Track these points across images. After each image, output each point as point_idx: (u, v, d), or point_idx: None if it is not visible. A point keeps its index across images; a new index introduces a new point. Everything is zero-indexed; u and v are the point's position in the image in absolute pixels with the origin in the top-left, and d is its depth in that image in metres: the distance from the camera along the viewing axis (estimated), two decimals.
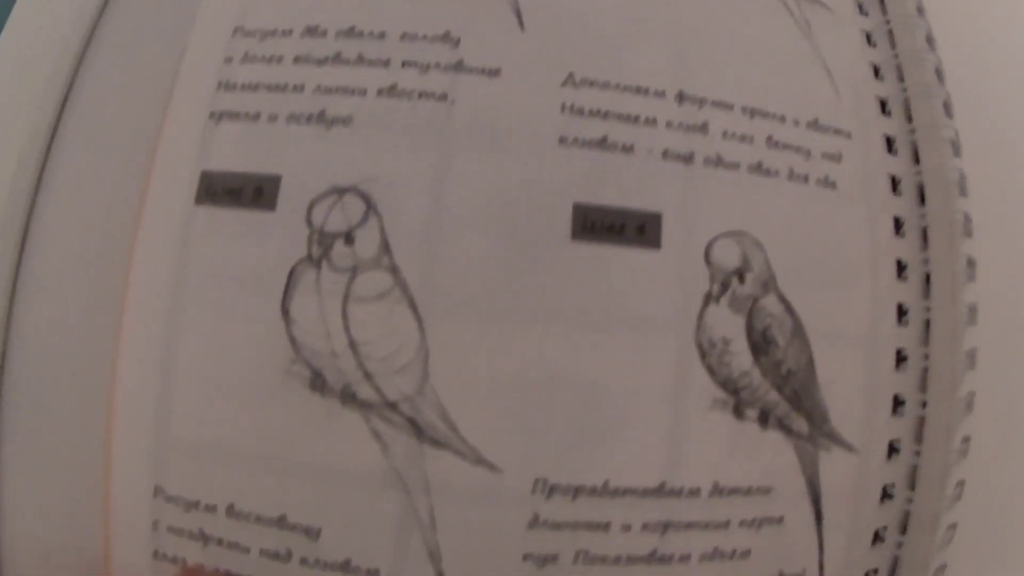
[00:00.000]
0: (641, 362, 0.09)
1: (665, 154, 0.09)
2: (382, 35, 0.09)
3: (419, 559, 0.08)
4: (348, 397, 0.08)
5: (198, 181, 0.08)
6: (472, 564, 0.08)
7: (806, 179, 0.10)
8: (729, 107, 0.10)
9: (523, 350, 0.08)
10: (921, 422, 0.11)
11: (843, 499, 0.10)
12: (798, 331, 0.10)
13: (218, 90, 0.08)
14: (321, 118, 0.09)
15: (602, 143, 0.09)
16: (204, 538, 0.08)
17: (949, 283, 0.11)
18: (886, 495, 0.11)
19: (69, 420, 0.08)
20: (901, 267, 0.11)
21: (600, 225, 0.09)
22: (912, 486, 0.11)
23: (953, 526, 0.11)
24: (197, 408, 0.08)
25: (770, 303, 0.09)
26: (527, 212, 0.08)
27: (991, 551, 0.11)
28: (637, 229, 0.09)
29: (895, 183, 0.11)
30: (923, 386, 0.11)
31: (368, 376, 0.08)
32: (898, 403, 0.10)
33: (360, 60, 0.09)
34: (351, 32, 0.09)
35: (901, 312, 0.10)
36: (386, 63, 0.09)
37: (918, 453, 0.11)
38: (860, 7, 0.12)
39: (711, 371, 0.09)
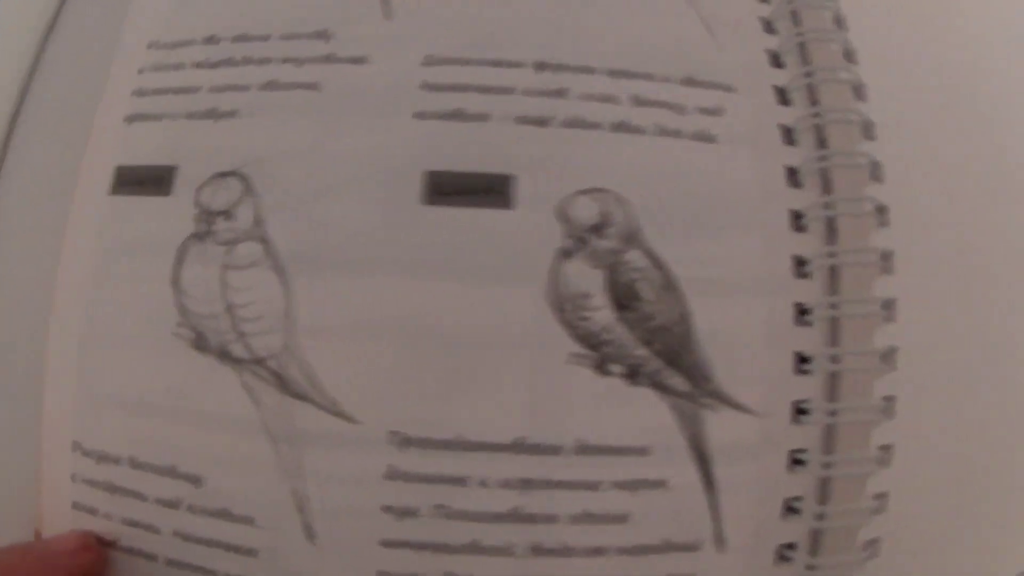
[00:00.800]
0: (495, 317, 0.09)
1: (519, 119, 0.10)
2: (267, 37, 0.10)
3: (287, 505, 0.09)
4: (224, 355, 0.09)
5: (113, 175, 0.10)
6: (336, 513, 0.09)
7: (678, 134, 0.10)
8: (591, 71, 0.10)
9: (378, 307, 0.09)
10: (834, 380, 0.10)
11: (740, 464, 0.10)
12: (669, 285, 0.09)
13: (132, 96, 0.11)
14: (211, 113, 0.10)
15: (456, 114, 0.10)
16: (112, 488, 0.10)
17: (856, 229, 0.10)
18: (796, 461, 0.10)
19: (18, 386, 0.10)
20: (798, 216, 0.10)
21: (451, 189, 0.09)
22: (829, 451, 0.10)
23: (883, 495, 0.10)
24: (106, 370, 0.10)
25: (635, 257, 0.09)
26: (384, 181, 0.10)
27: (931, 524, 0.10)
28: (487, 191, 0.09)
29: (788, 133, 0.10)
30: (833, 341, 0.10)
31: (241, 336, 0.09)
32: (803, 360, 0.10)
33: (247, 60, 0.10)
34: (241, 37, 0.11)
35: (801, 263, 0.10)
36: (268, 61, 0.10)
37: (833, 413, 0.10)
38: None
39: (569, 326, 0.09)
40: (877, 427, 0.10)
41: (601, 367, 0.10)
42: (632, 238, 0.10)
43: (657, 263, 0.10)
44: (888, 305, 0.11)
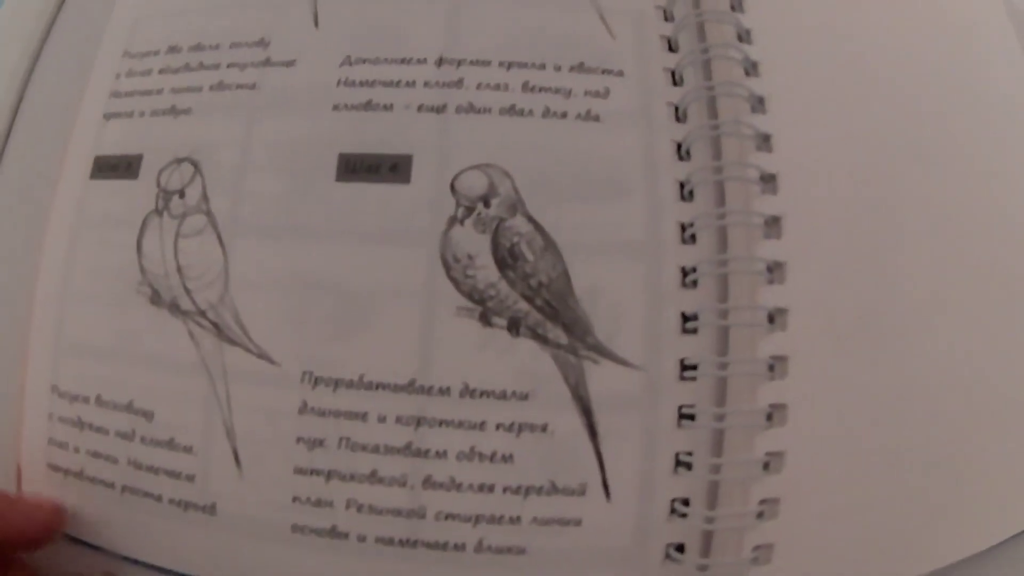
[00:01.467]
0: (393, 275, 0.12)
1: (420, 108, 0.12)
2: (217, 46, 0.13)
3: (219, 436, 0.12)
4: (174, 308, 0.12)
5: (92, 163, 0.13)
6: (258, 442, 0.12)
7: (564, 115, 0.12)
8: (487, 63, 0.12)
9: (297, 265, 0.12)
10: (723, 338, 0.11)
11: (624, 415, 0.11)
12: (549, 246, 0.12)
13: (110, 97, 0.14)
14: (171, 111, 0.13)
15: (367, 105, 0.12)
16: (80, 424, 0.13)
17: (743, 194, 0.12)
18: (685, 416, 0.11)
19: (4, 340, 0.13)
20: (684, 186, 0.12)
21: (360, 167, 0.12)
22: (720, 405, 0.11)
23: (778, 454, 0.11)
24: (80, 322, 0.13)
25: (518, 223, 0.12)
26: (305, 163, 0.12)
27: (829, 486, 0.11)
28: (390, 168, 0.12)
29: (678, 111, 0.12)
30: (723, 300, 0.11)
31: (187, 291, 0.12)
32: (689, 319, 0.11)
33: (200, 66, 0.13)
34: (197, 47, 0.14)
35: (686, 229, 0.12)
36: (217, 66, 0.13)
37: (724, 367, 0.11)
38: None
39: (456, 283, 0.11)
40: (765, 385, 0.12)
41: (485, 319, 0.12)
42: (516, 207, 0.12)
43: (538, 228, 0.12)
44: (777, 267, 0.12)
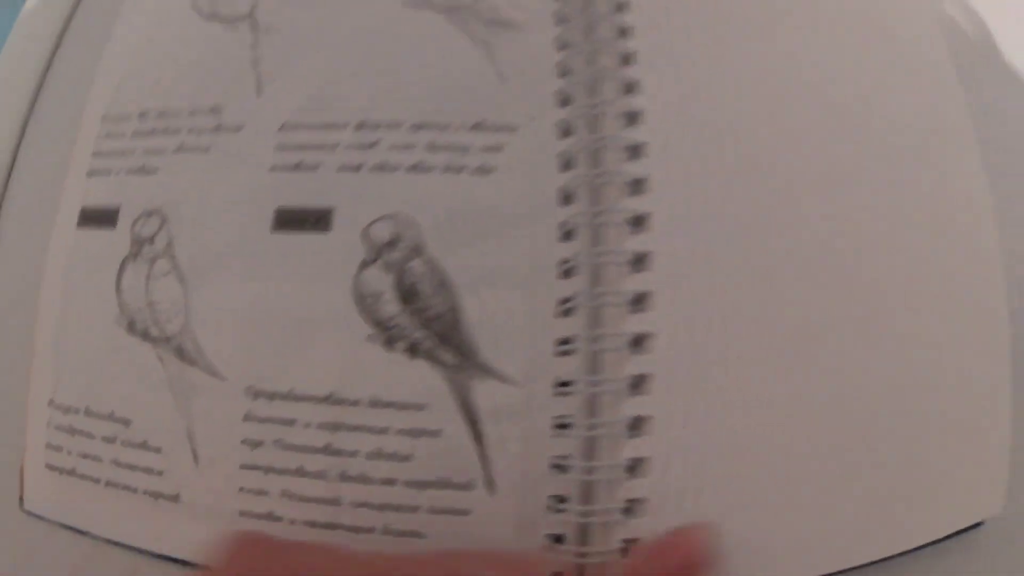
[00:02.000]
0: (316, 308, 0.17)
1: (340, 168, 0.18)
2: (179, 113, 0.20)
3: (182, 439, 0.18)
4: (146, 335, 0.19)
5: (79, 214, 0.20)
6: (212, 443, 0.18)
7: (461, 170, 0.18)
8: (398, 126, 0.18)
9: (241, 301, 0.18)
10: (594, 360, 0.17)
11: (505, 424, 0.17)
12: (444, 284, 0.17)
13: (92, 157, 0.20)
14: (142, 170, 0.20)
15: (298, 166, 0.18)
16: (72, 431, 0.19)
17: (615, 235, 0.17)
18: (562, 426, 0.17)
19: (14, 363, 0.21)
20: (566, 228, 0.18)
21: (291, 220, 0.18)
22: (592, 416, 0.17)
23: (643, 460, 0.17)
24: (72, 348, 0.19)
25: (418, 264, 0.17)
26: (247, 216, 0.18)
27: (690, 487, 0.17)
28: (315, 220, 0.18)
29: (566, 160, 0.18)
30: (594, 327, 0.17)
31: (157, 323, 0.19)
32: (564, 343, 0.17)
33: (166, 131, 0.20)
34: (162, 113, 0.20)
35: (565, 264, 0.17)
36: (179, 131, 0.20)
37: (595, 384, 0.17)
38: (562, 16, 0.20)
39: (366, 315, 0.17)
40: (629, 399, 0.18)
41: (389, 344, 0.18)
42: (417, 250, 0.18)
43: (435, 268, 0.18)
44: (641, 297, 0.18)
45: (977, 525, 0.18)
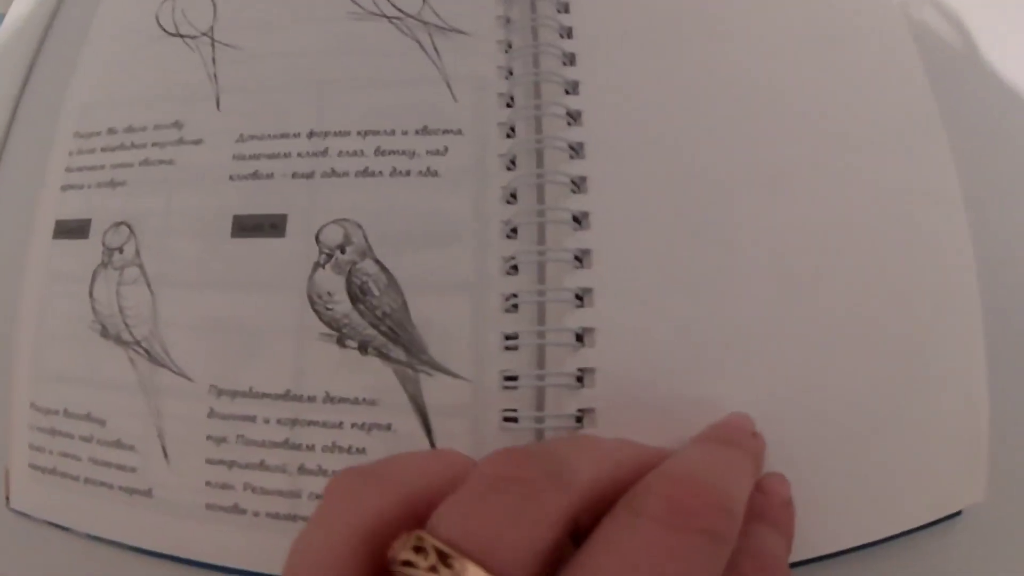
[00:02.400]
0: (271, 310, 0.19)
1: (294, 175, 0.20)
2: (144, 128, 0.22)
3: (152, 436, 0.20)
4: (118, 339, 0.20)
5: (54, 226, 0.22)
6: (179, 440, 0.19)
7: (408, 174, 0.19)
8: (347, 133, 0.20)
9: (204, 305, 0.19)
10: (540, 354, 0.18)
11: (455, 418, 0.18)
12: (392, 284, 0.19)
13: (65, 172, 0.22)
14: (111, 184, 0.21)
15: (254, 175, 0.20)
16: (53, 431, 0.21)
17: (558, 233, 0.19)
18: (508, 419, 0.18)
19: None
20: (511, 226, 0.19)
21: (248, 226, 0.20)
22: (539, 410, 0.18)
23: None
24: (49, 352, 0.21)
25: (367, 265, 0.19)
26: (207, 225, 0.20)
27: None
28: (271, 226, 0.19)
29: (510, 160, 0.19)
30: (540, 322, 0.18)
31: (127, 327, 0.20)
32: (510, 338, 0.18)
33: (132, 145, 0.22)
34: (129, 128, 0.22)
35: (511, 262, 0.18)
36: (144, 145, 0.22)
37: (541, 378, 0.18)
38: (507, 19, 0.21)
39: (319, 314, 0.19)
40: (575, 393, 0.19)
41: (341, 342, 0.19)
42: (366, 252, 0.20)
43: (384, 269, 0.19)
44: (584, 293, 0.19)
45: (956, 514, 0.19)
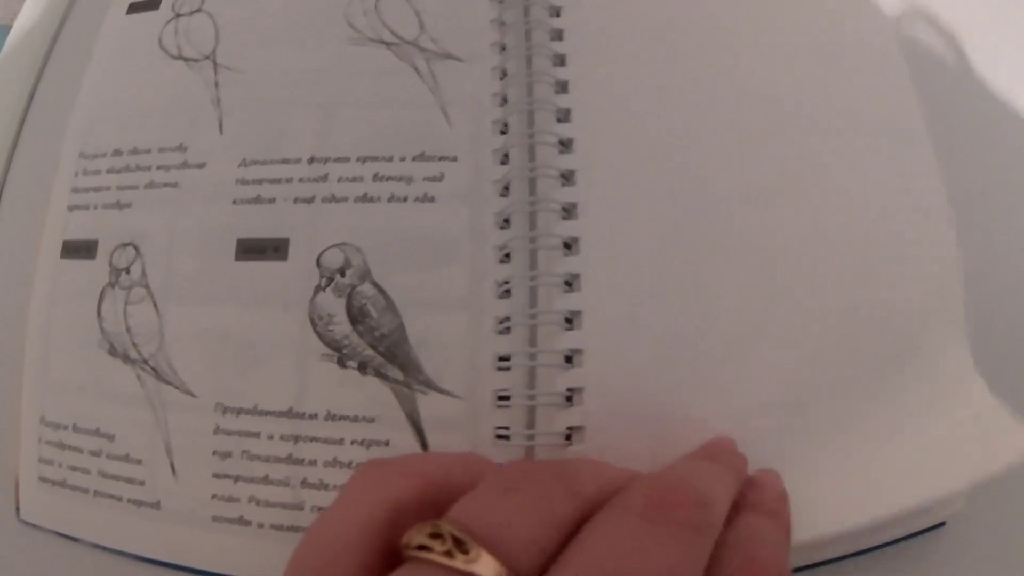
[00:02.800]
0: (275, 330, 0.20)
1: (295, 200, 0.21)
2: (149, 150, 0.23)
3: (160, 451, 0.21)
4: (126, 357, 0.22)
5: (61, 246, 0.23)
6: (187, 454, 0.21)
7: (405, 199, 0.21)
8: (347, 159, 0.21)
9: (209, 325, 0.21)
10: (532, 374, 0.20)
11: (450, 434, 0.20)
12: (390, 306, 0.20)
13: (72, 192, 0.23)
14: (117, 205, 0.23)
15: (256, 199, 0.21)
16: (62, 445, 0.22)
17: (549, 257, 0.20)
18: (501, 436, 0.20)
19: (5, 385, 0.24)
20: (504, 251, 0.20)
21: (252, 249, 0.21)
22: (530, 427, 0.20)
23: None
24: (58, 369, 0.23)
25: (366, 288, 0.20)
26: (212, 246, 0.21)
27: None
28: (273, 249, 0.21)
29: (504, 186, 0.21)
30: (531, 344, 0.20)
31: (135, 345, 0.22)
32: (503, 359, 0.20)
33: (138, 167, 0.23)
34: (133, 151, 0.23)
35: (504, 286, 0.20)
36: (149, 168, 0.23)
37: (532, 397, 0.20)
38: (502, 46, 0.22)
39: (320, 335, 0.20)
40: (564, 412, 0.20)
41: (341, 362, 0.21)
42: (365, 275, 0.21)
43: (382, 291, 0.21)
44: (573, 316, 0.20)
45: (940, 525, 0.20)
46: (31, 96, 0.26)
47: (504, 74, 0.22)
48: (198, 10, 0.24)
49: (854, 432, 0.20)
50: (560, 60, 0.22)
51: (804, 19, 0.24)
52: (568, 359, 0.19)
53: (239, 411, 0.20)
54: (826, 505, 0.19)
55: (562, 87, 0.21)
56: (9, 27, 0.29)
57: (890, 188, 0.22)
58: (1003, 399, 0.21)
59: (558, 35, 0.22)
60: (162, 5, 0.25)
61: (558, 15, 0.22)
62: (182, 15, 0.24)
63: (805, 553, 0.19)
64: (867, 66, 0.23)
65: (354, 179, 0.21)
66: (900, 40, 0.24)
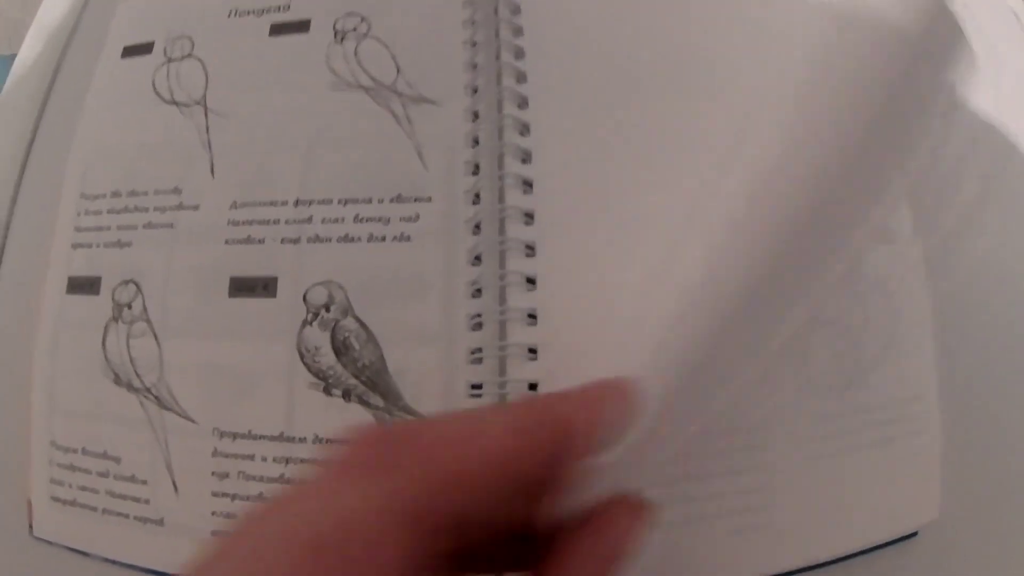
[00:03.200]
0: (266, 362, 0.23)
1: (283, 240, 0.23)
2: (146, 192, 0.25)
3: (163, 472, 0.24)
4: (130, 386, 0.24)
5: (67, 282, 0.26)
6: (187, 475, 0.23)
7: (383, 239, 0.23)
8: (329, 201, 0.24)
9: (205, 356, 0.23)
10: (502, 401, 0.22)
11: None
12: (371, 339, 0.22)
13: (75, 231, 0.26)
14: (117, 244, 0.25)
15: (247, 240, 0.24)
16: (72, 468, 0.25)
17: (517, 295, 0.22)
18: None
19: (12, 407, 0.27)
20: (476, 286, 0.23)
21: (243, 286, 0.23)
22: None
23: None
24: (67, 397, 0.25)
25: (348, 323, 0.23)
26: (206, 284, 0.24)
27: None
28: (263, 287, 0.23)
29: (476, 225, 0.23)
30: (501, 373, 0.22)
31: (137, 375, 0.24)
32: (475, 387, 0.22)
33: (136, 208, 0.25)
34: (132, 192, 0.26)
35: (476, 319, 0.22)
36: (147, 209, 0.25)
37: None
38: (474, 88, 0.25)
39: (307, 366, 0.23)
40: None
41: (327, 391, 0.23)
42: (348, 310, 0.23)
43: (363, 325, 0.23)
44: (534, 348, 0.23)
45: (912, 535, 0.22)
46: (34, 132, 0.28)
47: (476, 116, 0.24)
48: (189, 55, 0.27)
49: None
50: (524, 102, 0.24)
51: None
52: (532, 386, 0.22)
53: (235, 435, 0.23)
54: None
55: (525, 128, 0.24)
56: (13, 56, 0.31)
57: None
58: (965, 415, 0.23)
59: (524, 77, 0.24)
60: (155, 49, 0.27)
61: (523, 56, 0.24)
62: (173, 60, 0.27)
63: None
64: None
65: (336, 220, 0.23)
66: None
